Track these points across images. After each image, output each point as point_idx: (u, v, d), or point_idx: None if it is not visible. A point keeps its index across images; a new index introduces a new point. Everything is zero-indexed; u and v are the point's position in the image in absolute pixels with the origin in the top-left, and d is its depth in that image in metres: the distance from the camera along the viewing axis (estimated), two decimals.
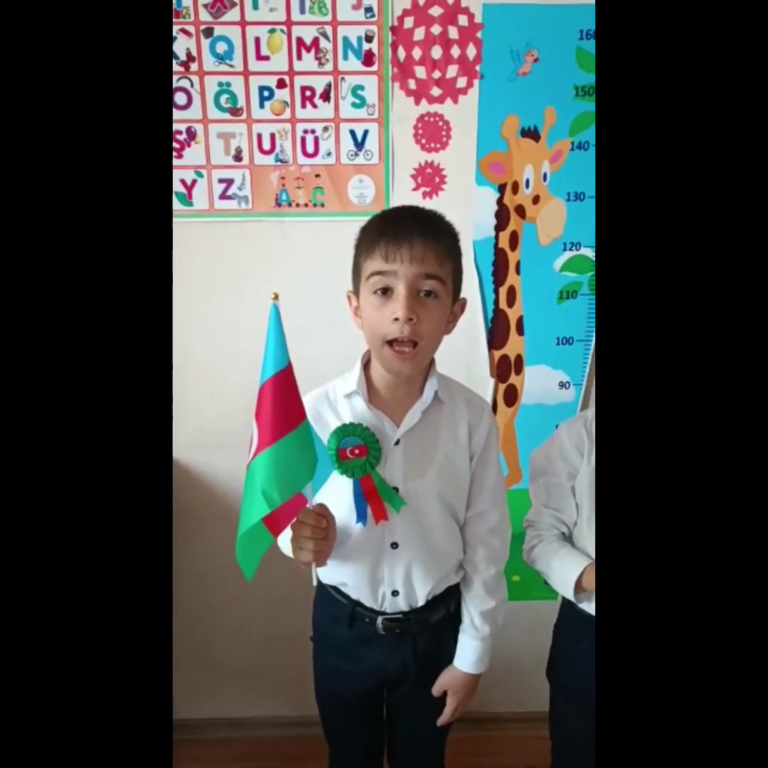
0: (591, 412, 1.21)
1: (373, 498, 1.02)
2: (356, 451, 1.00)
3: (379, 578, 1.07)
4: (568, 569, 1.14)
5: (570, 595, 1.15)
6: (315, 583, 1.01)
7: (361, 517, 1.02)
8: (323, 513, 0.97)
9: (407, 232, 0.94)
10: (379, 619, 1.09)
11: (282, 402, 0.88)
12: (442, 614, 1.13)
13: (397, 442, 1.04)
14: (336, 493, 1.02)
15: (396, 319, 0.93)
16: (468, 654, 1.13)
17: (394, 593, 1.08)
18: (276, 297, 0.87)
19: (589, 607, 1.17)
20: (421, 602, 1.10)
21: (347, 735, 1.24)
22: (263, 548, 0.97)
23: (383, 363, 1.00)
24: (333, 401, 1.06)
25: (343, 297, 1.06)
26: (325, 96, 1.43)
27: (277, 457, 0.87)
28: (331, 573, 1.10)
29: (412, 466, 1.04)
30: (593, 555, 1.15)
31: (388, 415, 1.04)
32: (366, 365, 1.07)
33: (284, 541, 1.06)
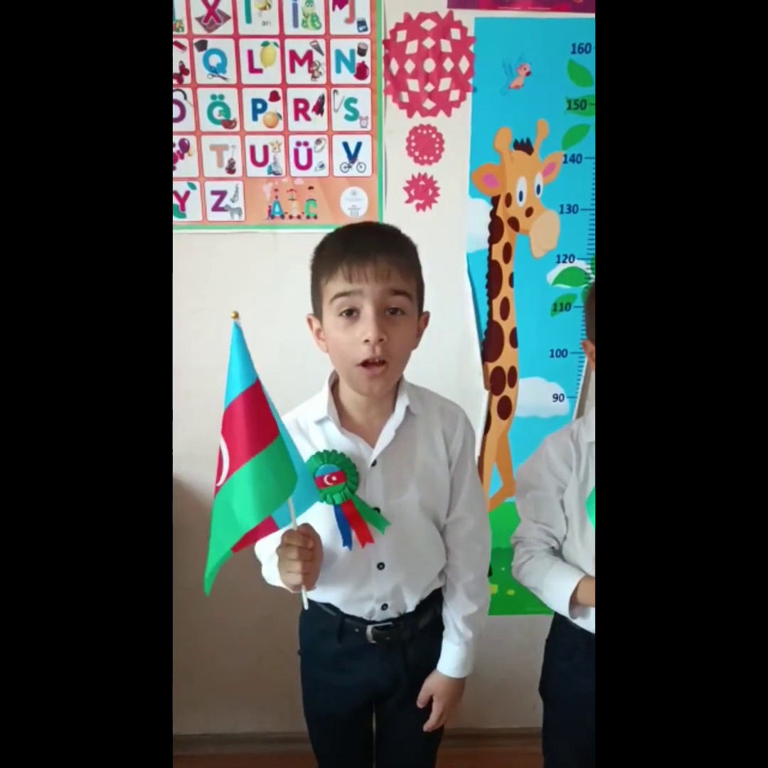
0: (576, 423, 1.20)
1: (356, 522, 1.01)
2: (334, 478, 0.99)
3: (367, 597, 1.07)
4: (562, 585, 1.13)
5: (565, 611, 1.14)
6: (306, 607, 0.99)
7: (347, 541, 1.02)
8: (309, 533, 0.96)
9: (370, 249, 0.92)
10: (369, 628, 1.08)
11: (253, 420, 0.85)
12: (430, 619, 1.12)
13: (374, 463, 1.02)
14: (318, 519, 1.00)
15: (366, 341, 0.91)
16: (451, 658, 1.13)
17: (384, 607, 1.08)
18: (236, 315, 0.85)
19: (583, 622, 1.15)
20: (410, 609, 1.10)
21: (337, 751, 1.23)
22: (221, 562, 0.92)
23: (354, 384, 0.98)
24: (304, 429, 1.04)
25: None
26: (318, 108, 1.44)
27: (252, 477, 0.83)
28: (318, 595, 1.09)
29: (391, 484, 1.03)
30: (586, 569, 1.14)
31: (362, 436, 1.02)
32: (332, 387, 1.05)
33: (269, 571, 1.06)
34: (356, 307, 0.92)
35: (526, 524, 1.21)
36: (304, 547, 0.93)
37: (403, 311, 0.94)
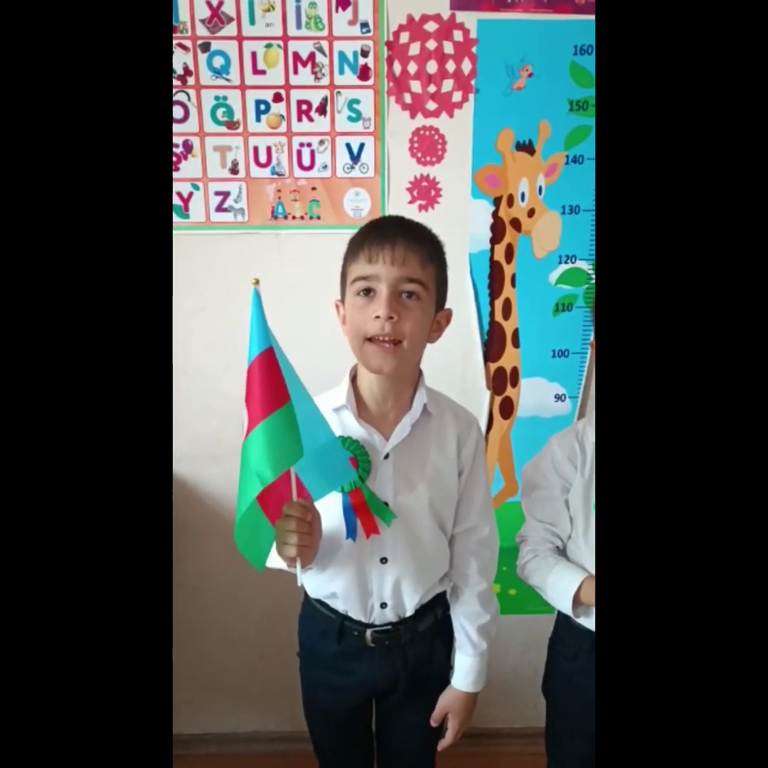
0: (582, 423, 1.20)
1: (363, 512, 1.02)
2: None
3: (368, 592, 1.07)
4: (564, 584, 1.14)
5: (568, 610, 1.14)
6: (300, 583, 1.00)
7: (351, 532, 1.02)
8: (308, 507, 0.97)
9: (390, 235, 0.96)
10: (368, 632, 1.09)
11: (266, 382, 0.89)
12: (431, 622, 1.13)
13: (387, 456, 1.03)
14: (324, 508, 1.01)
15: (377, 318, 0.94)
16: (466, 673, 1.13)
17: (383, 605, 1.08)
18: (256, 282, 0.90)
19: (586, 621, 1.16)
20: (409, 613, 1.09)
21: (337, 750, 1.23)
22: (270, 539, 0.98)
23: (365, 361, 0.99)
24: None
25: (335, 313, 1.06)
26: (322, 110, 1.44)
27: (266, 435, 0.88)
28: (320, 585, 1.10)
29: (401, 479, 1.04)
30: (589, 568, 1.15)
31: (377, 428, 1.04)
32: (353, 380, 1.07)
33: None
34: (373, 287, 0.96)
35: (530, 523, 1.22)
36: (303, 520, 0.94)
37: (418, 297, 0.97)
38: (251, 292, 0.90)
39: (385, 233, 0.96)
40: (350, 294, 0.99)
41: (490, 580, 1.14)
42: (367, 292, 0.96)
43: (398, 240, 0.95)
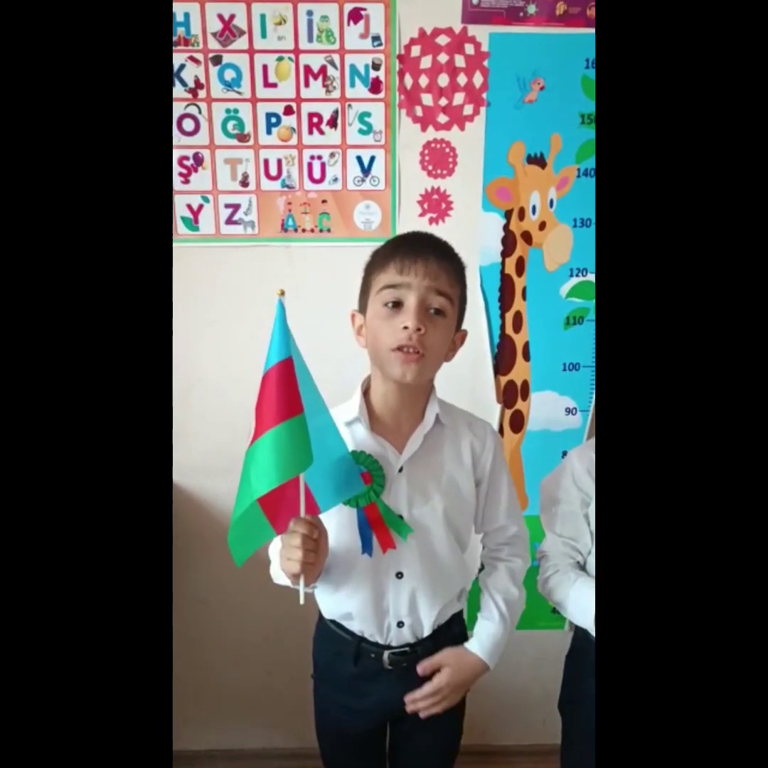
0: None
1: (379, 527, 1.01)
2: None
3: (384, 609, 1.06)
4: (586, 599, 1.12)
5: (589, 626, 1.13)
6: (301, 602, 0.98)
7: (367, 547, 1.01)
8: (315, 523, 0.96)
9: (423, 248, 0.96)
10: (386, 654, 1.07)
11: (279, 392, 0.89)
12: (448, 645, 1.10)
13: (401, 469, 1.03)
14: (339, 523, 1.01)
15: (405, 328, 0.94)
16: (487, 637, 1.07)
17: (400, 624, 1.06)
18: (282, 293, 0.91)
19: None
20: (426, 632, 1.08)
21: None
22: (260, 540, 0.97)
23: (387, 370, 0.98)
24: None
25: (349, 322, 1.06)
26: (332, 122, 1.44)
27: (272, 444, 0.88)
28: (335, 605, 1.09)
29: (416, 492, 1.03)
30: None
31: (390, 441, 1.03)
32: (365, 393, 1.06)
33: (275, 569, 1.06)
34: (401, 299, 0.96)
35: (551, 539, 1.20)
36: (308, 536, 0.93)
37: (444, 314, 0.97)
38: (276, 303, 0.91)
39: (417, 248, 0.97)
40: (376, 304, 0.98)
41: (524, 561, 1.13)
42: (395, 304, 0.96)
43: (431, 255, 0.96)
